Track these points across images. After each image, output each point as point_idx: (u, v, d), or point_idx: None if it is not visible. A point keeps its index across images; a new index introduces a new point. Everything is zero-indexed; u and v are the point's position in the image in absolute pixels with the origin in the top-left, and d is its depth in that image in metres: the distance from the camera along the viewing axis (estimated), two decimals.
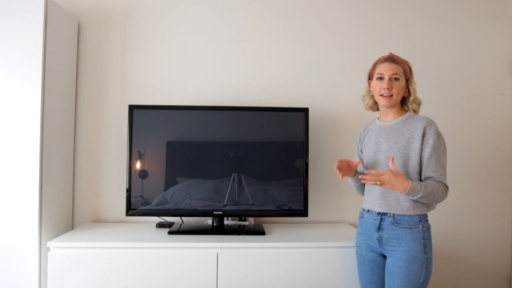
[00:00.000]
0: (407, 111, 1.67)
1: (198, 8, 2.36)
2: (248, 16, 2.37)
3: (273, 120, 2.15)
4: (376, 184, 1.49)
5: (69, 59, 2.22)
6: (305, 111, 2.14)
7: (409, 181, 1.48)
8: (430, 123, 1.57)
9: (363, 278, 1.71)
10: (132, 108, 2.10)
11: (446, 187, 1.54)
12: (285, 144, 2.15)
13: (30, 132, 1.89)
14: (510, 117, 2.46)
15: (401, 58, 1.66)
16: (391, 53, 1.67)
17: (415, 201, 1.54)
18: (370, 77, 1.72)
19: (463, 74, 2.44)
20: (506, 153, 2.46)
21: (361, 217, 1.72)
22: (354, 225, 2.27)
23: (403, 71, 1.63)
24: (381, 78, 1.63)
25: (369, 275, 1.68)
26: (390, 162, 1.50)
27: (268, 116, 2.15)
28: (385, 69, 1.62)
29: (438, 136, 1.56)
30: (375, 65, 1.69)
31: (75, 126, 2.31)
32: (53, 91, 2.02)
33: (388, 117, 1.67)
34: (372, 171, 1.52)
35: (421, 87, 1.74)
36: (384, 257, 1.62)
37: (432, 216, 1.59)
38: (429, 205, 1.59)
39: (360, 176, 1.55)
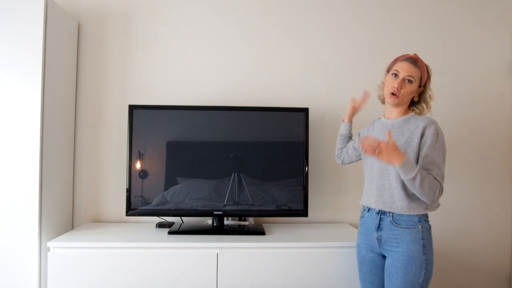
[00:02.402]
0: (413, 110, 1.64)
1: (198, 8, 2.36)
2: (248, 16, 2.37)
3: (273, 120, 2.15)
4: (374, 154, 1.45)
5: (69, 59, 2.22)
6: (305, 111, 2.14)
7: (406, 155, 1.45)
8: (430, 123, 1.53)
9: (363, 278, 1.71)
10: (132, 108, 2.10)
11: (441, 186, 1.49)
12: (285, 144, 2.15)
13: (30, 132, 1.89)
14: (510, 117, 2.46)
15: (423, 62, 1.61)
16: (415, 54, 1.62)
17: (410, 201, 1.52)
18: (388, 70, 1.68)
19: (463, 74, 2.44)
20: (506, 153, 2.46)
21: (362, 216, 1.72)
22: (354, 225, 2.27)
23: (420, 76, 1.58)
24: (395, 75, 1.59)
25: (368, 275, 1.68)
26: (387, 134, 1.47)
27: (268, 116, 2.15)
28: (402, 68, 1.58)
29: (437, 136, 1.51)
30: (395, 61, 1.65)
31: (75, 126, 2.31)
32: (53, 91, 2.02)
33: (393, 115, 1.66)
34: (371, 137, 1.49)
35: None
36: (384, 257, 1.62)
37: (432, 216, 1.59)
38: (427, 206, 1.54)
39: (359, 141, 1.48)
